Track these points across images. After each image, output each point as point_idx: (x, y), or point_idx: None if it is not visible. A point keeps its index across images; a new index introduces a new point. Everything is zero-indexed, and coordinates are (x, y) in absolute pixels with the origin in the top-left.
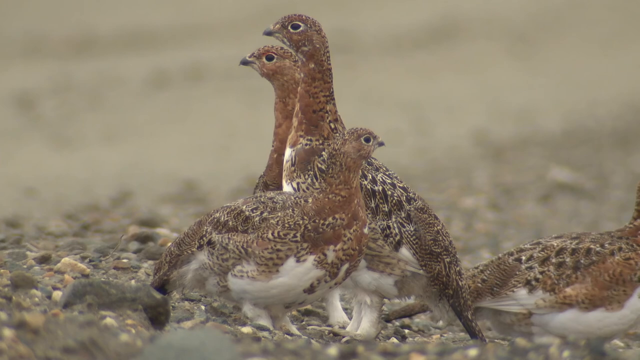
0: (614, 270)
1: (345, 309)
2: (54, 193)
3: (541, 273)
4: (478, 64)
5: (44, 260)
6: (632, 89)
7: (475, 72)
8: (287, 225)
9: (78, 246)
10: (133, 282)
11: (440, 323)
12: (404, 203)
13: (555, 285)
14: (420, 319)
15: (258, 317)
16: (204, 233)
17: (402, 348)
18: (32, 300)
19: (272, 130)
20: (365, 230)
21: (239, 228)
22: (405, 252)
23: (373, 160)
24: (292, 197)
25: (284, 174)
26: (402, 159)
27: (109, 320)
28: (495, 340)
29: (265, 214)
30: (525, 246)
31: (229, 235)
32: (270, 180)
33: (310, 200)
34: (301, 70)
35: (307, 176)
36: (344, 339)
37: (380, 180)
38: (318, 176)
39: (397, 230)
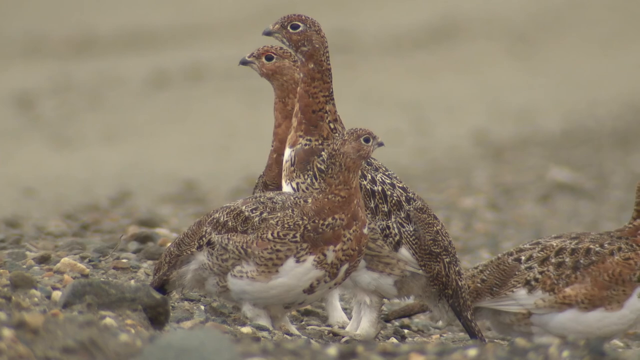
0: (613, 270)
1: (344, 309)
2: (54, 193)
3: (540, 273)
4: (478, 64)
5: (43, 260)
6: (632, 89)
7: (475, 72)
8: (286, 225)
9: (77, 246)
10: (132, 282)
11: (440, 323)
12: (403, 203)
13: (554, 285)
14: (419, 319)
15: (257, 317)
16: (204, 233)
17: (401, 348)
18: (31, 300)
19: (272, 130)
20: (365, 231)
21: (238, 228)
22: (404, 252)
23: (372, 160)
24: (292, 198)
25: (283, 174)
26: (402, 159)
27: (109, 320)
28: (495, 341)
29: (264, 215)
30: (525, 246)
31: (229, 236)
32: (270, 181)
33: (309, 200)
34: (300, 70)
35: (306, 176)
36: (344, 339)
37: (380, 180)
38: (317, 176)
39: (396, 231)
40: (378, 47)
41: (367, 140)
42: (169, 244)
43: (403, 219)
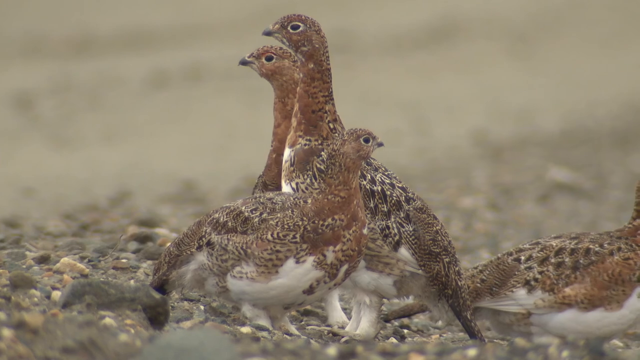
0: (613, 270)
1: (344, 309)
2: (53, 193)
3: (540, 273)
4: (477, 64)
5: (43, 260)
6: (632, 89)
7: (475, 72)
8: (286, 226)
9: (77, 246)
10: (132, 282)
11: (439, 323)
12: (403, 203)
13: (554, 285)
14: (419, 319)
15: (257, 317)
16: (203, 234)
17: (401, 348)
18: (31, 300)
19: (271, 130)
20: (365, 231)
21: (238, 229)
22: (404, 252)
23: (372, 160)
24: (292, 198)
25: (282, 174)
26: (401, 159)
27: (108, 320)
28: (495, 340)
29: (264, 215)
30: (525, 246)
31: (228, 236)
32: (269, 181)
33: (309, 201)
34: (300, 70)
35: (306, 176)
36: (343, 339)
37: (379, 180)
38: (317, 176)
39: (396, 231)
40: (378, 47)
41: (366, 141)
42: (168, 244)
43: (402, 219)
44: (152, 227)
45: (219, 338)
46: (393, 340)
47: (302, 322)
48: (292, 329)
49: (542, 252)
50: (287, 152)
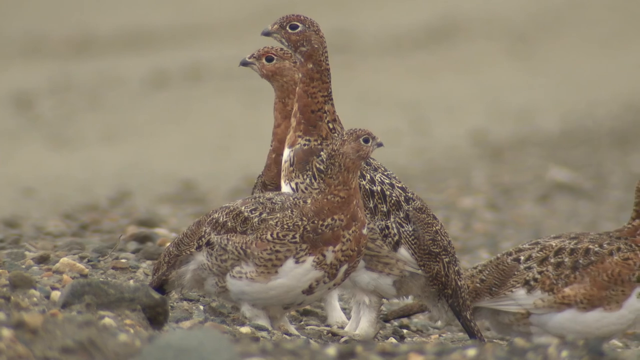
0: (612, 271)
1: (343, 309)
2: (53, 193)
3: (540, 273)
4: (477, 64)
5: (42, 260)
6: (632, 89)
7: (475, 72)
8: (286, 226)
9: (77, 246)
10: (132, 282)
11: (439, 323)
12: (402, 203)
13: (553, 285)
14: (418, 319)
15: (256, 317)
16: (203, 234)
17: (400, 348)
18: (30, 300)
19: (271, 130)
20: (364, 231)
21: (237, 229)
22: (403, 252)
23: (371, 160)
24: (291, 198)
25: (282, 174)
26: (401, 159)
27: (108, 320)
28: (494, 340)
29: (264, 215)
30: (524, 246)
31: (228, 236)
32: (269, 181)
33: (309, 201)
34: (299, 70)
35: (305, 176)
36: (343, 339)
37: (379, 180)
38: (316, 176)
39: (395, 231)
40: (377, 47)
41: (366, 141)
42: (168, 244)
43: (402, 219)
44: (152, 227)
45: (218, 338)
46: (392, 340)
47: (302, 322)
48: (292, 329)
49: (541, 252)
50: (287, 152)
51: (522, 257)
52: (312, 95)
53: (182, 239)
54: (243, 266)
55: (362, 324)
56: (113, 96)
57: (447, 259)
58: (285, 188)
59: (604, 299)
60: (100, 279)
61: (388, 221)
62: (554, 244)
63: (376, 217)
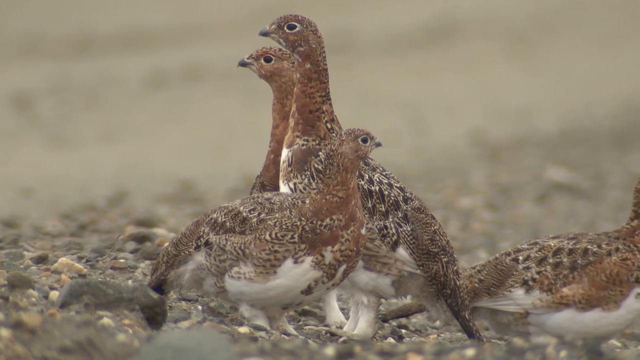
0: (610, 271)
1: (342, 309)
2: (51, 193)
3: (538, 273)
4: (476, 64)
5: (41, 260)
6: (631, 89)
7: (474, 72)
8: (284, 226)
9: (75, 246)
10: (130, 282)
11: (437, 323)
12: (400, 203)
13: (552, 285)
14: (417, 319)
15: (255, 317)
16: (201, 234)
17: (399, 348)
18: (29, 300)
19: (270, 130)
20: (363, 231)
21: (236, 229)
22: (402, 252)
23: (370, 160)
24: (290, 198)
25: (280, 174)
26: (399, 159)
27: (106, 320)
28: (493, 340)
29: (262, 215)
30: (523, 246)
31: (227, 236)
32: (267, 181)
33: (307, 201)
34: (297, 70)
35: (303, 177)
36: (341, 339)
37: (377, 180)
38: (315, 176)
39: (394, 230)
40: (376, 47)
41: (364, 141)
42: (166, 244)
43: (400, 219)
44: (150, 227)
45: (216, 338)
46: (391, 340)
47: (300, 322)
48: (290, 329)
49: (540, 252)
50: (285, 153)
51: (520, 257)
52: (310, 96)
53: (181, 239)
54: (242, 266)
55: (360, 324)
56: (112, 96)
57: (445, 259)
58: (284, 188)
59: (603, 299)
60: (99, 279)
61: (386, 221)
62: (552, 244)
63: (375, 217)
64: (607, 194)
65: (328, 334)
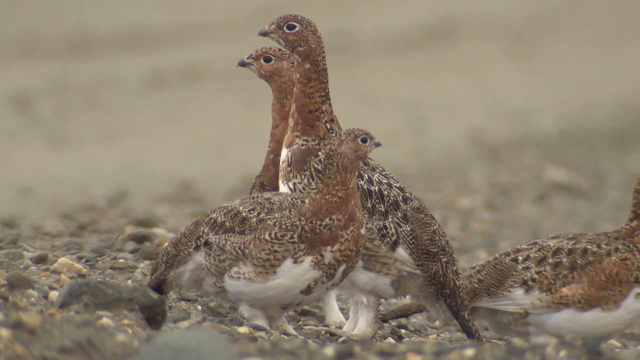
0: (610, 271)
1: (341, 309)
2: (51, 193)
3: (538, 273)
4: (476, 64)
5: (40, 260)
6: (630, 89)
7: (473, 72)
8: (284, 226)
9: (75, 246)
10: (129, 282)
11: (437, 323)
12: (400, 203)
13: (551, 285)
14: (416, 319)
15: (254, 317)
16: (201, 234)
17: (398, 348)
18: (28, 300)
19: (269, 130)
20: (362, 231)
21: (236, 229)
22: (401, 252)
23: (369, 160)
24: (289, 198)
25: (280, 174)
26: (399, 159)
27: (106, 320)
28: (492, 340)
29: (262, 215)
30: (522, 246)
31: (226, 236)
32: (267, 181)
33: (307, 201)
34: (297, 70)
35: (303, 176)
36: (341, 339)
37: (377, 180)
38: (314, 176)
39: (393, 230)
40: (375, 47)
41: (364, 141)
42: (166, 244)
43: (400, 219)
44: (150, 227)
45: (216, 338)
46: (390, 340)
47: (300, 322)
48: (290, 329)
49: (539, 252)
50: (284, 153)
51: (520, 257)
52: (309, 96)
53: (180, 239)
54: (241, 266)
55: (360, 324)
56: (112, 96)
57: (445, 259)
58: (283, 188)
59: (602, 299)
60: (98, 279)
61: (386, 221)
62: (552, 244)
63: (374, 217)
64: (606, 194)
65: (328, 334)
